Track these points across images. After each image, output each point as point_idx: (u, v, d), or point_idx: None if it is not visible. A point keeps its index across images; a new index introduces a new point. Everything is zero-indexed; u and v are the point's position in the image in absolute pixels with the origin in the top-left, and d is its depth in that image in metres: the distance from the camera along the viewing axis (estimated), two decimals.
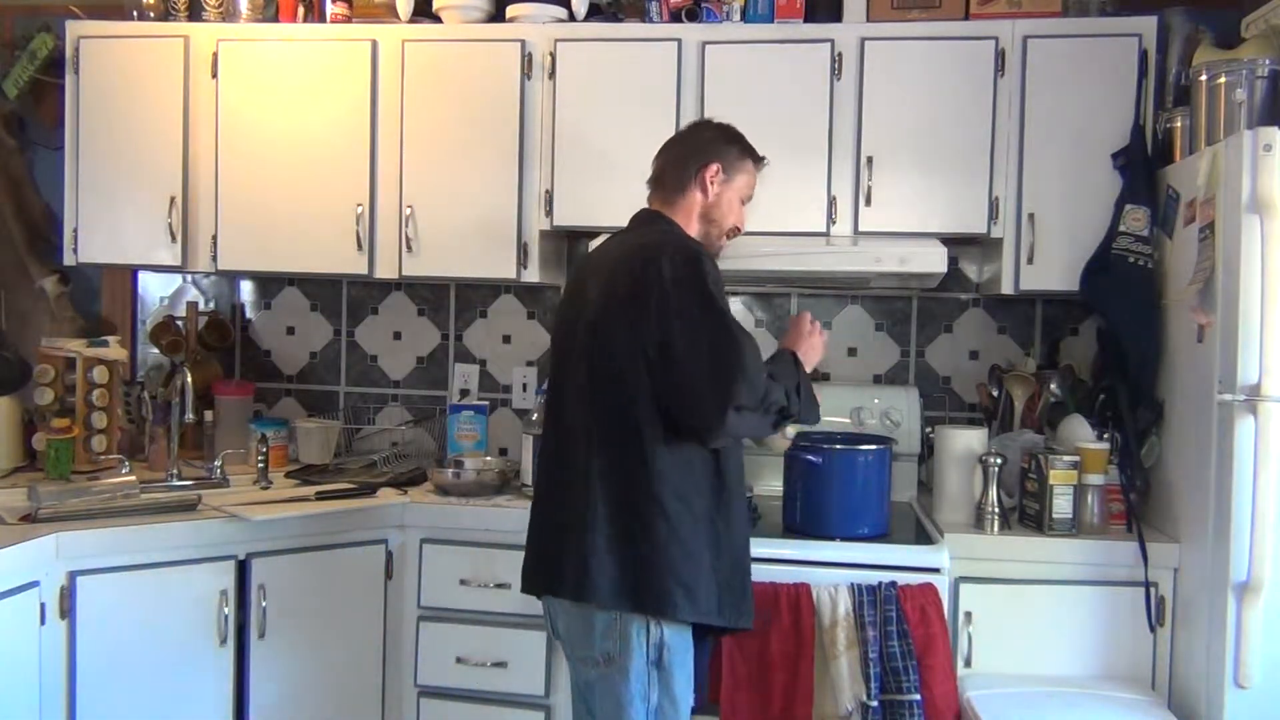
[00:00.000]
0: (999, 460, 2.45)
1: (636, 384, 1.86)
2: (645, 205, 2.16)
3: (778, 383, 1.91)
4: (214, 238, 2.90)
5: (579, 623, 1.90)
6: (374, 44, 2.85)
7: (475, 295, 3.23)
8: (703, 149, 2.11)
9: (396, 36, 2.84)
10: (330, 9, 2.92)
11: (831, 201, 2.68)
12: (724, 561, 1.91)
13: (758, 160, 2.17)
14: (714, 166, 2.08)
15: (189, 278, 3.34)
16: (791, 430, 2.24)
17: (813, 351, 2.09)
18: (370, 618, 2.56)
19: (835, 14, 2.73)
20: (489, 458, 2.96)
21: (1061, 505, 2.38)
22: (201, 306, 3.30)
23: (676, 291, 1.86)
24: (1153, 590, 2.32)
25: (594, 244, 2.60)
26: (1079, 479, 2.40)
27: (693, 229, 2.09)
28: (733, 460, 1.97)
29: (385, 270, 2.88)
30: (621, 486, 1.87)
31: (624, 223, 2.68)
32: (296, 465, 3.01)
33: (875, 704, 2.17)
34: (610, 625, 1.86)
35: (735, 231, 2.15)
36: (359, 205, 2.85)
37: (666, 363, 1.84)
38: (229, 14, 2.95)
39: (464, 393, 3.21)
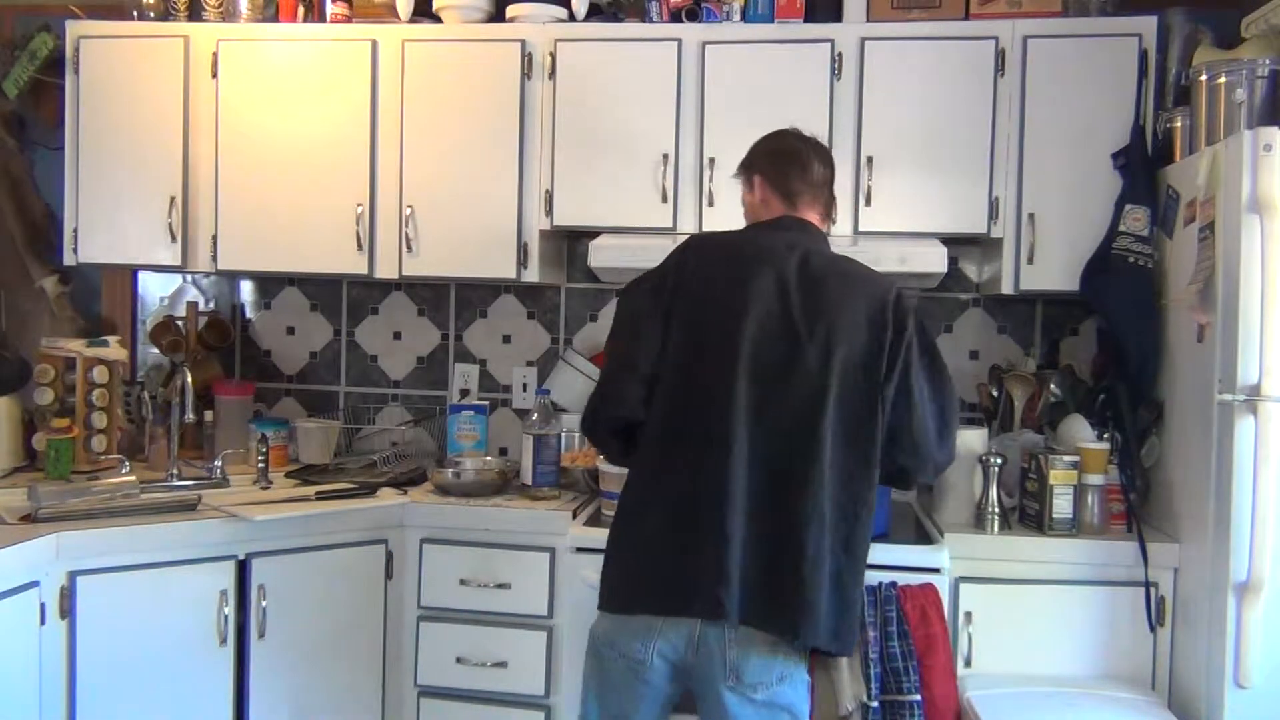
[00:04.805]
0: (999, 460, 2.45)
1: (874, 420, 1.81)
2: (790, 207, 1.99)
3: None
4: (214, 238, 2.90)
5: (764, 652, 1.79)
6: (374, 44, 2.85)
7: (475, 295, 3.23)
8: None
9: (396, 36, 2.84)
10: (330, 9, 2.92)
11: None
12: None
13: None
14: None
15: (189, 278, 3.34)
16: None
17: None
18: (370, 618, 2.56)
19: (835, 14, 2.73)
20: (489, 458, 2.96)
21: (1061, 505, 2.38)
22: (201, 306, 3.30)
23: (924, 341, 1.87)
24: (1153, 590, 2.32)
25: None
26: (1079, 479, 2.39)
27: None
28: None
29: (385, 270, 2.88)
30: (849, 519, 1.80)
31: (624, 222, 2.73)
32: (296, 465, 3.00)
33: (875, 704, 2.17)
34: (789, 653, 1.81)
35: None
36: (359, 205, 2.85)
37: (905, 407, 1.83)
38: (229, 14, 2.95)
39: (464, 393, 3.21)
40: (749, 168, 2.07)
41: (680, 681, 1.86)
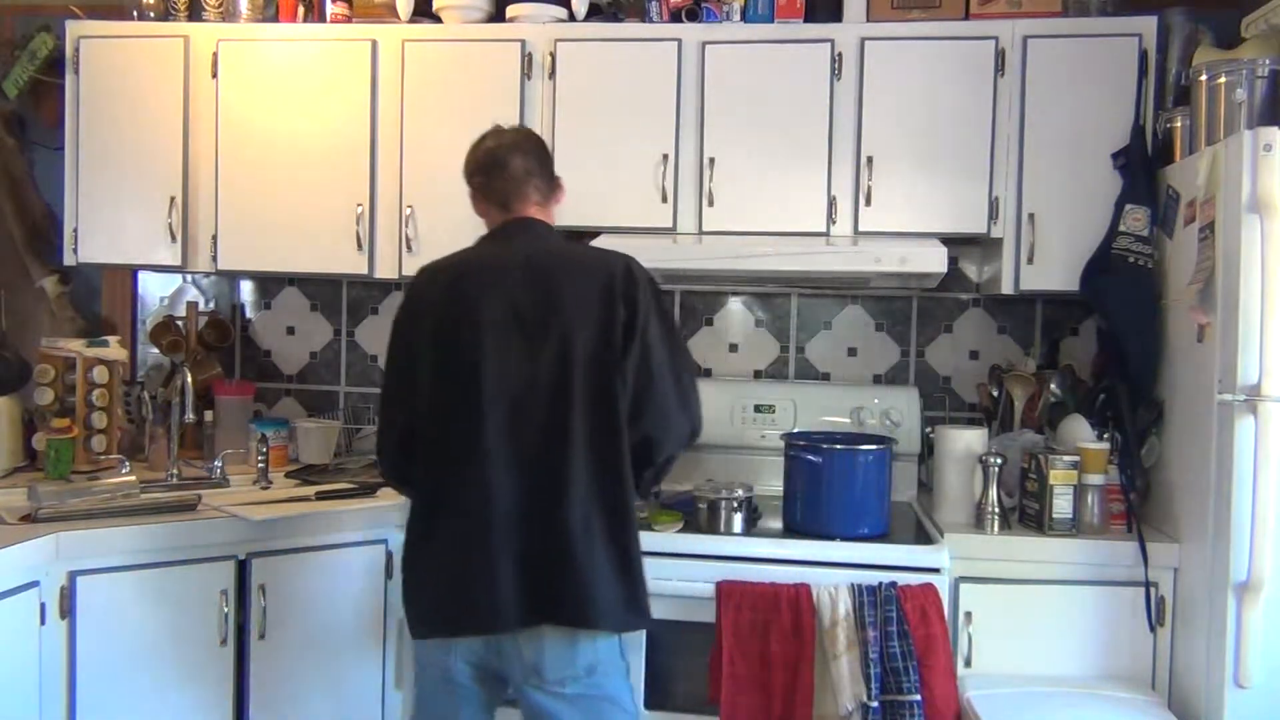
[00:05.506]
0: (999, 460, 2.45)
1: (619, 397, 1.84)
2: (506, 210, 2.04)
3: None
4: (214, 238, 2.90)
5: (559, 647, 1.83)
6: (374, 44, 2.85)
7: None
8: (551, 159, 2.08)
9: (396, 36, 2.84)
10: (330, 9, 2.92)
11: (831, 201, 2.68)
12: None
13: None
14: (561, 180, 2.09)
15: (189, 278, 3.34)
16: None
17: None
18: (370, 618, 2.56)
19: (835, 14, 2.73)
20: None
21: (1061, 505, 2.38)
22: (201, 306, 3.30)
23: (659, 313, 1.89)
24: (1153, 590, 2.32)
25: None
26: (1079, 479, 2.40)
27: None
28: None
29: (385, 270, 2.88)
30: (612, 501, 1.84)
31: (624, 222, 2.72)
32: (296, 465, 3.00)
33: (875, 704, 2.17)
34: (592, 643, 1.84)
35: None
36: (359, 205, 2.85)
37: (646, 378, 1.86)
38: (229, 14, 2.95)
39: None
40: (469, 183, 2.08)
41: (494, 680, 1.91)
